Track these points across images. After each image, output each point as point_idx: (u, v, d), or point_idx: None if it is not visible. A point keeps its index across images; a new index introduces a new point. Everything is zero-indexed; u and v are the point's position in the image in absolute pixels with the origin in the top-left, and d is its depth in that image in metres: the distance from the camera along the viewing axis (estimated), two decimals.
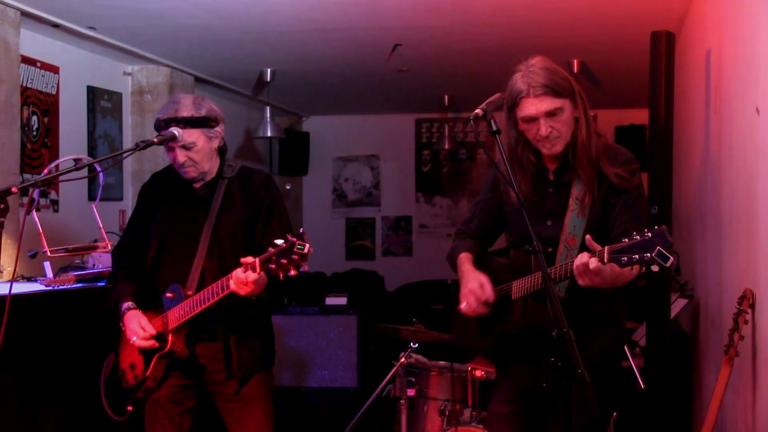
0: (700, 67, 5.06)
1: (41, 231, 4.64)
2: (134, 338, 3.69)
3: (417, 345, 5.05)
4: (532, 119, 3.20)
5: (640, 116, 9.18)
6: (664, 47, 4.60)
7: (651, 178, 4.67)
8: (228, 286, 3.44)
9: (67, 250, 4.96)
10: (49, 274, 5.00)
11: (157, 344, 3.70)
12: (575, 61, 7.40)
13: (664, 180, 4.65)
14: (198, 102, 3.72)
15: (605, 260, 2.84)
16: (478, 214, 3.71)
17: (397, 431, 4.98)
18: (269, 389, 3.93)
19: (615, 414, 4.58)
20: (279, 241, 3.22)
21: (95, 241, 5.30)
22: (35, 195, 4.84)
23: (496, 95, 3.13)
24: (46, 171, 5.79)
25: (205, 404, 3.95)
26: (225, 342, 3.76)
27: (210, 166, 3.81)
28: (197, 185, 3.84)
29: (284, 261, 3.19)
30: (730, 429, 3.98)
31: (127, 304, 3.80)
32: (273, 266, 3.22)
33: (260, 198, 3.83)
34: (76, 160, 4.68)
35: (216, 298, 3.51)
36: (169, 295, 3.72)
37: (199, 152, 3.70)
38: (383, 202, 11.54)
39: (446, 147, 10.71)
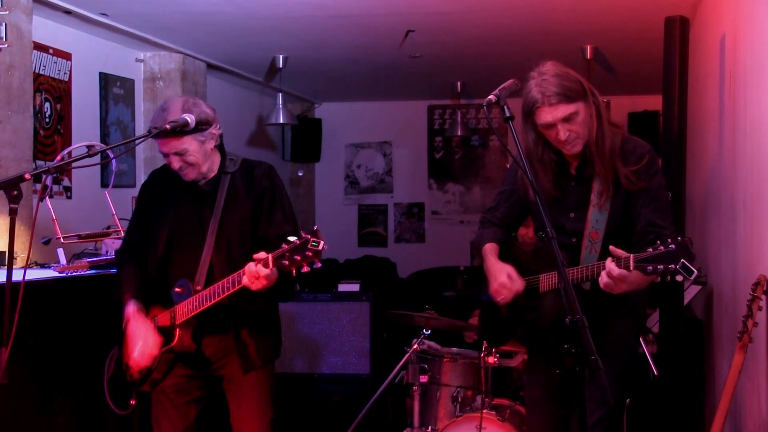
0: (715, 53, 5.03)
1: (54, 218, 4.66)
2: (136, 354, 3.68)
3: (429, 332, 5.05)
4: (550, 126, 3.31)
5: (653, 102, 9.12)
6: (678, 33, 4.57)
7: (664, 165, 4.64)
8: (240, 281, 3.44)
9: (80, 237, 4.97)
10: (63, 260, 5.01)
11: (152, 366, 3.72)
12: (588, 47, 7.36)
13: (677, 166, 4.63)
14: (187, 107, 3.65)
15: (631, 268, 2.98)
16: (504, 203, 3.79)
17: (410, 418, 4.99)
18: (272, 380, 3.95)
19: (628, 401, 4.59)
20: (292, 238, 3.23)
21: (108, 227, 5.31)
22: (48, 182, 4.86)
23: (510, 81, 3.15)
24: (59, 158, 5.81)
25: (211, 396, 3.97)
26: (237, 335, 3.76)
27: (209, 165, 3.78)
28: (201, 183, 3.82)
29: (298, 257, 3.21)
30: (744, 415, 3.97)
31: (131, 307, 3.79)
32: (286, 262, 3.23)
33: (263, 188, 3.82)
34: (88, 147, 4.69)
35: (227, 293, 3.52)
36: (177, 289, 3.72)
37: (192, 156, 3.67)
38: (396, 188, 11.52)
39: (459, 133, 10.69)
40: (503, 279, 3.50)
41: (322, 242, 3.19)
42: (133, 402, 3.86)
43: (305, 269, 3.23)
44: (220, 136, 3.82)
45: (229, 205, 3.79)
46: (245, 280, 3.41)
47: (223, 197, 3.79)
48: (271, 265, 3.30)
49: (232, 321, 3.75)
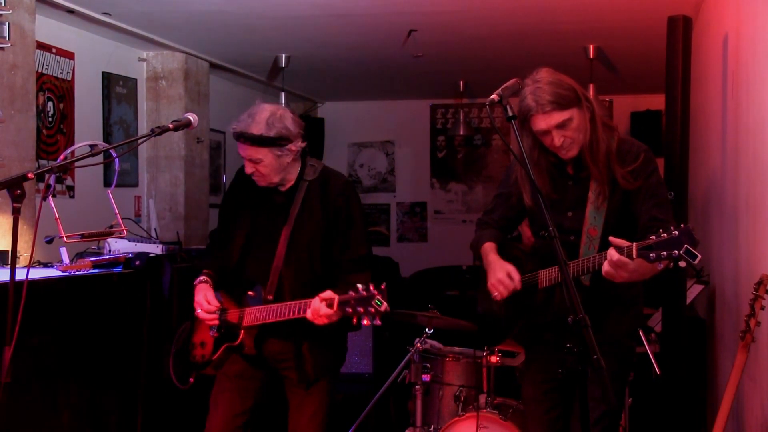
0: (718, 52, 5.03)
1: (57, 217, 4.66)
2: (199, 310, 3.82)
3: (432, 331, 5.05)
4: (545, 132, 3.38)
5: (656, 102, 9.11)
6: (680, 32, 4.57)
7: (667, 164, 4.65)
8: (304, 311, 3.53)
9: (83, 236, 4.97)
10: (66, 259, 5.02)
11: (217, 320, 3.82)
12: (591, 47, 7.36)
13: (680, 166, 4.62)
14: (272, 121, 3.68)
15: (634, 256, 2.98)
16: (500, 207, 3.85)
17: (412, 417, 4.99)
18: (331, 390, 4.01)
19: (630, 399, 4.59)
20: (360, 286, 3.30)
21: (111, 227, 5.31)
22: (51, 181, 4.85)
23: (512, 80, 3.18)
24: (62, 157, 5.81)
25: (268, 392, 4.04)
26: (298, 346, 3.82)
27: (284, 176, 3.81)
28: (282, 188, 3.86)
29: (361, 309, 3.29)
30: (746, 415, 3.97)
31: (201, 278, 3.93)
32: (349, 310, 3.32)
33: (338, 208, 3.84)
34: (91, 146, 4.68)
35: (291, 317, 3.60)
36: (251, 293, 3.80)
37: (266, 167, 3.72)
38: (398, 188, 11.51)
39: (461, 133, 10.66)
40: (502, 276, 3.53)
41: (385, 304, 3.27)
42: (192, 380, 3.92)
43: (365, 322, 3.32)
44: (303, 148, 3.82)
45: (303, 217, 3.82)
46: (309, 315, 3.50)
47: (297, 208, 3.82)
48: (335, 308, 3.38)
49: (295, 333, 3.79)
